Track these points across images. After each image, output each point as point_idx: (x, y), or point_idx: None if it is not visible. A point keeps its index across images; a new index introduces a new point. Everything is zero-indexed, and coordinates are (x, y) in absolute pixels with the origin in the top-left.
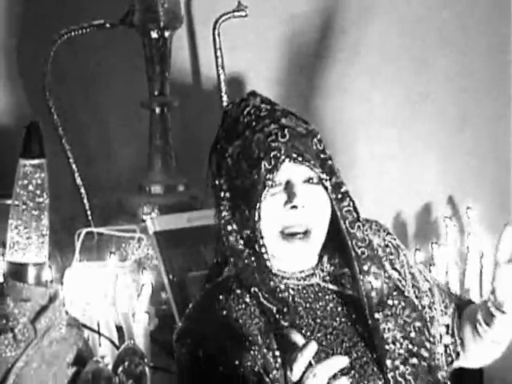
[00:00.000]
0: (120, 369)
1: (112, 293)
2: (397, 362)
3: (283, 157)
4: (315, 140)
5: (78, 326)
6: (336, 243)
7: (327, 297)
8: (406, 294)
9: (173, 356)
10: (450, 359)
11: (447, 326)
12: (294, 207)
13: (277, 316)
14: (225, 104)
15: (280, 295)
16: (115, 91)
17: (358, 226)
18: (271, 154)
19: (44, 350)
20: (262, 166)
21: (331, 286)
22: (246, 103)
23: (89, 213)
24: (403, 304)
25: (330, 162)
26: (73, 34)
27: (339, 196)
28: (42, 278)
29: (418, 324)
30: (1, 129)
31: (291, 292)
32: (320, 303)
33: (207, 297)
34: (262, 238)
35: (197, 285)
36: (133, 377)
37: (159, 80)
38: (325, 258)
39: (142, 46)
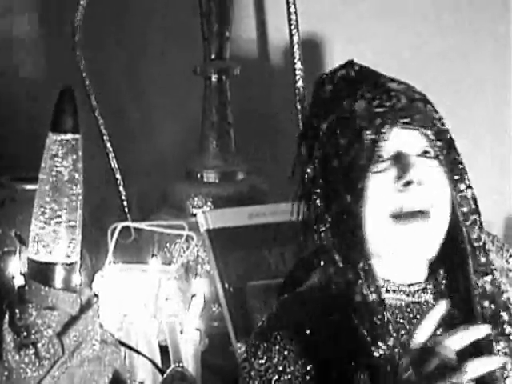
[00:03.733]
0: None
1: (154, 304)
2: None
3: (391, 123)
4: (429, 106)
5: (114, 343)
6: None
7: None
8: None
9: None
10: None
11: None
12: (409, 183)
13: (369, 341)
14: (299, 73)
15: (379, 315)
16: (160, 54)
17: (474, 220)
18: (376, 122)
19: (73, 371)
20: (365, 136)
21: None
22: (342, 72)
23: (125, 204)
24: None
25: (447, 135)
26: None
27: (456, 176)
28: (71, 282)
29: None
30: (27, 97)
31: (390, 310)
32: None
33: (284, 311)
34: (360, 230)
35: (258, 297)
36: None
37: (217, 41)
38: (440, 271)
39: None
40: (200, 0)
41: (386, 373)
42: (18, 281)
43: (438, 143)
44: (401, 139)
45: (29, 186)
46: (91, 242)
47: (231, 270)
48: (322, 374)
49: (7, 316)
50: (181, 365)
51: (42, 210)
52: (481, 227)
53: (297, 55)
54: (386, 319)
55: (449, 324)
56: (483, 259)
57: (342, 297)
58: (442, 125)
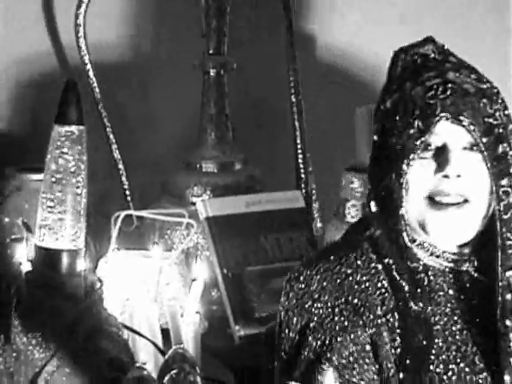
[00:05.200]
0: (167, 378)
1: (155, 288)
2: None
3: (439, 116)
4: (485, 100)
5: (117, 326)
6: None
7: (474, 291)
8: None
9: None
10: None
11: None
12: (446, 176)
13: (407, 295)
14: (294, 66)
15: (417, 276)
16: (162, 48)
17: None
18: (426, 112)
19: (77, 354)
20: (415, 124)
21: (477, 278)
22: (415, 50)
23: (128, 193)
24: None
25: (498, 130)
26: None
27: (500, 171)
28: (77, 268)
29: None
30: (32, 89)
31: (430, 274)
32: (465, 295)
33: (335, 248)
34: (404, 208)
35: (255, 281)
36: None
37: (215, 36)
38: (476, 248)
39: None
40: None
41: (417, 326)
42: (26, 267)
43: (485, 139)
44: (448, 132)
45: (35, 177)
46: (95, 230)
47: (229, 255)
48: (352, 313)
49: (15, 301)
50: (181, 347)
51: (48, 199)
52: None
53: (292, 48)
54: (418, 277)
55: (468, 312)
56: None
57: (385, 255)
58: (495, 119)
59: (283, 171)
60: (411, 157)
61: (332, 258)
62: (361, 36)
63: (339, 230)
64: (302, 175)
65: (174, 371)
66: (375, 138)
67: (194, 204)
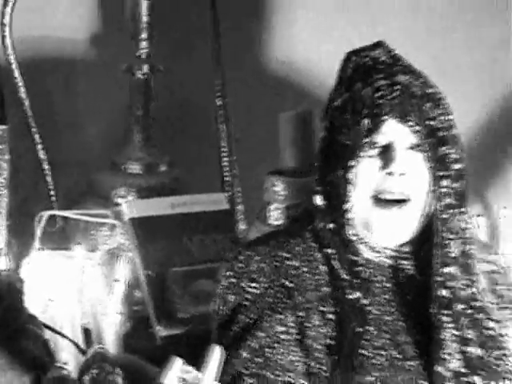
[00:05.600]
0: (87, 377)
1: (78, 288)
2: (448, 372)
3: (386, 116)
4: (429, 104)
5: (39, 326)
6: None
7: (411, 287)
8: (491, 314)
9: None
10: None
11: None
12: (390, 174)
13: (345, 284)
14: (219, 70)
15: (356, 268)
16: (91, 49)
17: (453, 214)
18: (374, 111)
19: None
20: (364, 123)
21: (414, 275)
22: (366, 53)
23: (52, 193)
24: (480, 324)
25: (441, 133)
26: None
27: (441, 172)
28: None
29: (488, 345)
30: None
31: (370, 267)
32: (401, 289)
33: (276, 234)
34: (350, 202)
35: (178, 282)
36: None
37: (145, 41)
38: (415, 247)
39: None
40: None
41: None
42: None
43: (429, 140)
44: (394, 131)
45: None
46: (19, 230)
47: (153, 256)
48: (284, 296)
49: None
50: (102, 346)
51: None
52: (461, 222)
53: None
54: (358, 270)
55: (403, 305)
56: (452, 251)
57: (327, 246)
58: (441, 122)
59: (208, 174)
60: (358, 154)
61: (272, 242)
62: (290, 42)
63: (261, 233)
64: (227, 178)
65: (95, 371)
66: (324, 134)
67: (118, 205)
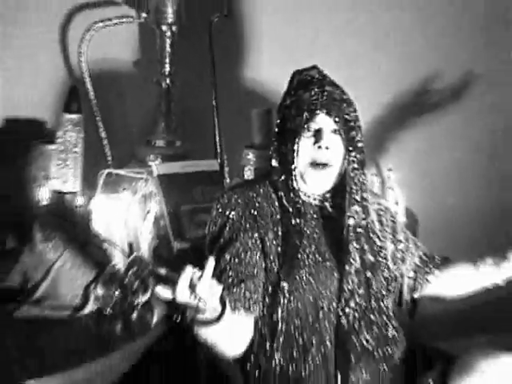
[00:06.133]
0: (130, 272)
1: (125, 218)
2: (352, 269)
3: (319, 111)
4: (345, 105)
5: (102, 240)
6: (343, 187)
7: (330, 219)
8: (377, 234)
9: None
10: (416, 285)
11: (417, 266)
12: (320, 147)
13: (290, 215)
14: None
15: (297, 205)
16: (132, 69)
17: (357, 174)
18: (311, 108)
19: (76, 255)
20: (304, 115)
21: (332, 212)
22: (306, 72)
23: (109, 159)
24: (372, 241)
25: (351, 123)
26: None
27: (350, 148)
28: (76, 202)
29: (376, 254)
30: (46, 95)
31: (305, 205)
32: (324, 220)
33: (247, 182)
34: (294, 164)
35: (187, 215)
36: (139, 278)
37: (167, 61)
38: (333, 193)
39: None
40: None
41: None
42: (44, 202)
43: (344, 127)
44: (323, 121)
45: (51, 146)
46: (89, 181)
47: (171, 199)
48: (251, 220)
49: (37, 222)
50: (139, 254)
51: (59, 160)
52: (362, 178)
53: (215, 73)
54: (298, 207)
55: (325, 229)
56: (356, 197)
57: (279, 191)
58: (350, 116)
59: (206, 147)
60: (301, 135)
61: (245, 187)
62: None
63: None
64: (218, 150)
65: (135, 268)
66: (278, 121)
67: (150, 166)
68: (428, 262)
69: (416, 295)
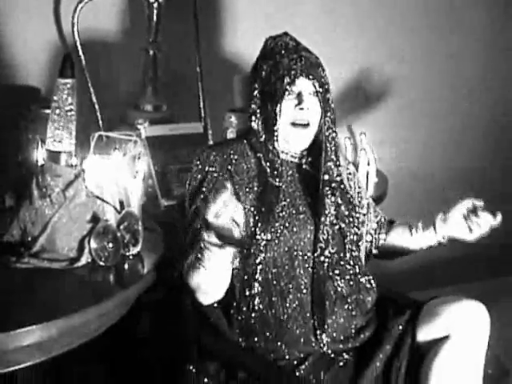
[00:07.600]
0: (121, 226)
1: (116, 176)
2: (327, 221)
3: (298, 74)
4: (320, 69)
5: (93, 197)
6: (318, 145)
7: (306, 174)
8: (348, 191)
9: (155, 221)
10: (372, 244)
11: (375, 227)
12: (301, 108)
13: (268, 173)
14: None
15: (276, 165)
16: (121, 37)
17: (331, 133)
18: (291, 73)
19: (71, 211)
20: (285, 80)
21: (308, 169)
22: (279, 39)
23: (100, 122)
24: (345, 196)
25: (326, 86)
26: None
27: (327, 108)
28: (70, 162)
29: (349, 208)
30: (41, 63)
31: (284, 164)
32: (301, 176)
33: (226, 141)
34: (276, 125)
35: (173, 174)
36: (130, 232)
37: (153, 29)
38: (309, 151)
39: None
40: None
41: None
42: (40, 162)
43: (320, 89)
44: (302, 84)
45: (47, 111)
46: (82, 143)
47: (158, 159)
48: (229, 176)
49: (34, 180)
50: (130, 209)
51: (54, 122)
52: (334, 137)
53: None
54: (276, 166)
55: (301, 184)
56: (332, 154)
57: (258, 151)
58: (325, 80)
59: (191, 111)
60: (282, 97)
61: (223, 145)
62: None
63: None
64: (202, 114)
65: (126, 222)
66: (256, 86)
67: (138, 129)
68: (382, 227)
69: (370, 258)
